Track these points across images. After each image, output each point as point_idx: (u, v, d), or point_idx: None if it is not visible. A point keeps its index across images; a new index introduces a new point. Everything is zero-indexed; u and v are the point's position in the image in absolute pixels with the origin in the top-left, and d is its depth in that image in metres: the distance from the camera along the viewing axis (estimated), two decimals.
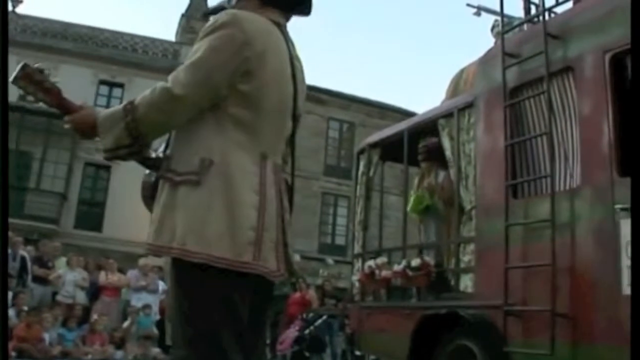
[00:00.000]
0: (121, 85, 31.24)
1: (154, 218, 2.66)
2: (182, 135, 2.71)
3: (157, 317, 15.86)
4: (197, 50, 2.69)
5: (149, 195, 2.83)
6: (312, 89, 31.71)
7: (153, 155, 2.83)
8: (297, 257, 14.06)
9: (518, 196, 6.19)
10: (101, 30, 32.38)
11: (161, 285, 16.53)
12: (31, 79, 2.65)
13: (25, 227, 25.71)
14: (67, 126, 2.74)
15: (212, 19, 2.76)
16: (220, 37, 2.66)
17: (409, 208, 8.15)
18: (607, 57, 5.38)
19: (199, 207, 2.55)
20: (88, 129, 2.71)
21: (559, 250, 5.40)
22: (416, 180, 8.47)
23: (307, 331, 13.64)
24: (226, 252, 2.53)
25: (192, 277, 2.57)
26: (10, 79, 2.66)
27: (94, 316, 14.91)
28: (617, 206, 5.00)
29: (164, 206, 2.62)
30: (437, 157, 7.91)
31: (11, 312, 12.79)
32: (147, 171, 2.90)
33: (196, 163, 2.60)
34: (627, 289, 4.84)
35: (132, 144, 2.66)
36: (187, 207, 2.56)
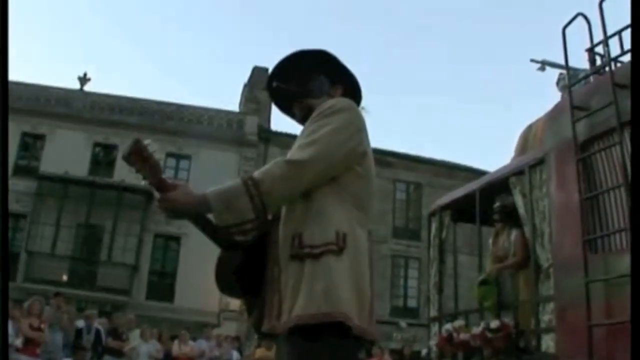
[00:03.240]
0: (188, 157, 31.78)
1: (295, 290, 2.68)
2: (308, 213, 2.79)
3: None
4: (316, 130, 2.85)
5: (229, 275, 2.87)
6: (378, 151, 31.79)
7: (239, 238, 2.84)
8: None
9: (596, 251, 6.05)
10: (166, 104, 33.10)
11: (235, 355, 16.56)
12: (141, 155, 2.67)
13: (98, 300, 26.18)
14: (160, 204, 2.76)
15: (326, 103, 2.97)
16: (340, 119, 2.86)
17: (478, 297, 8.03)
18: None
19: (343, 274, 2.66)
20: (185, 207, 2.73)
21: None
22: (490, 240, 8.38)
23: None
24: (358, 320, 2.64)
25: (328, 345, 2.61)
26: (123, 154, 2.67)
27: None
28: None
29: (309, 277, 2.66)
30: (512, 216, 7.84)
31: None
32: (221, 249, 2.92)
33: (332, 235, 2.71)
34: None
35: (257, 218, 2.71)
36: (333, 275, 2.64)
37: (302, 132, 2.95)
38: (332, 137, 2.81)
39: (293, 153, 2.81)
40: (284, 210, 2.88)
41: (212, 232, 2.78)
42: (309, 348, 2.61)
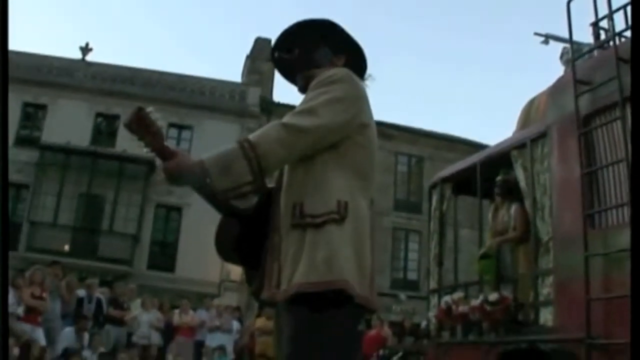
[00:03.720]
0: (190, 128, 31.76)
1: (296, 259, 2.70)
2: (309, 182, 2.81)
3: (232, 357, 15.92)
4: (313, 98, 2.86)
5: (229, 245, 2.89)
6: (380, 124, 31.58)
7: (240, 205, 2.85)
8: None
9: (596, 226, 6.06)
10: (168, 74, 33.00)
11: (235, 325, 16.63)
12: (143, 122, 2.67)
13: (100, 269, 26.25)
14: (161, 172, 2.75)
15: (325, 73, 2.97)
16: (338, 89, 2.86)
17: (478, 270, 8.04)
18: None
19: (344, 243, 2.68)
20: (185, 173, 2.72)
21: None
22: (490, 215, 8.39)
23: None
24: (359, 289, 2.66)
25: (329, 313, 2.63)
26: (125, 122, 2.66)
27: (169, 357, 15.03)
28: None
29: (311, 246, 2.67)
30: (513, 191, 7.86)
31: (88, 354, 12.97)
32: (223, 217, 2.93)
33: (334, 204, 2.72)
34: None
35: (254, 181, 2.71)
36: (335, 244, 2.66)
37: (303, 100, 2.96)
38: (329, 106, 2.81)
39: (290, 117, 2.81)
40: (285, 179, 2.89)
41: (214, 198, 2.79)
42: (309, 316, 2.62)
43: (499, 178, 8.10)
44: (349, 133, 2.86)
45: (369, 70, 3.30)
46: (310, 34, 3.18)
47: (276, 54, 3.25)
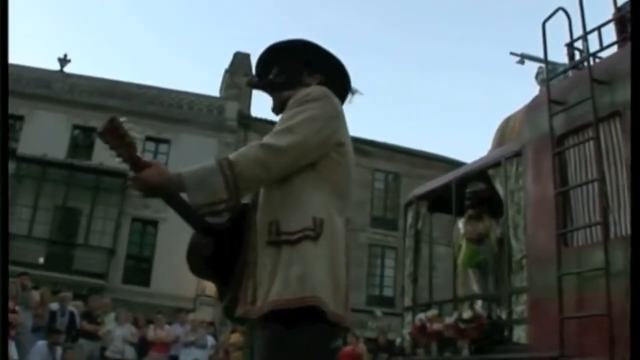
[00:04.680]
0: (167, 141, 31.66)
1: (271, 276, 2.70)
2: (286, 200, 2.82)
3: None
4: (291, 117, 2.88)
5: (201, 260, 2.88)
6: (357, 140, 31.80)
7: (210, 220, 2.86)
8: None
9: (569, 245, 6.10)
10: (147, 87, 32.92)
11: (209, 340, 16.54)
12: (117, 132, 2.68)
13: (74, 283, 26.00)
14: (133, 182, 2.75)
15: (302, 92, 3.00)
16: (315, 108, 2.90)
17: (461, 260, 8.07)
18: None
19: (319, 261, 2.70)
20: (159, 186, 2.72)
21: (615, 299, 5.28)
22: (460, 224, 8.42)
23: None
24: (333, 306, 2.68)
25: (302, 330, 2.64)
26: (99, 130, 2.69)
27: None
28: None
29: (286, 263, 2.69)
30: (484, 203, 7.92)
31: None
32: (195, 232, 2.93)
33: (309, 221, 2.74)
34: None
35: (229, 199, 2.72)
36: (310, 261, 2.68)
37: (280, 119, 2.97)
38: (307, 125, 2.83)
39: (269, 138, 2.83)
40: (261, 196, 2.90)
41: (186, 212, 2.79)
42: (284, 333, 2.63)
43: (467, 190, 8.15)
44: (326, 151, 2.88)
45: (354, 85, 3.33)
46: (283, 55, 3.22)
47: (248, 81, 3.34)
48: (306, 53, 3.22)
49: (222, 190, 2.68)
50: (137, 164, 2.72)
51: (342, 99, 3.25)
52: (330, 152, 2.90)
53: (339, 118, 2.99)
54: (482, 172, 7.67)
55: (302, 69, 3.20)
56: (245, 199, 2.91)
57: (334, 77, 3.24)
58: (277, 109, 3.17)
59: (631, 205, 3.37)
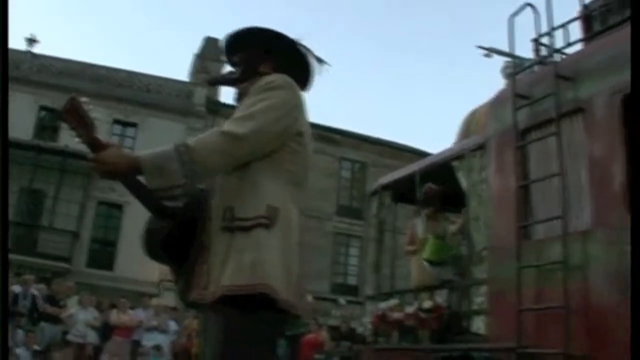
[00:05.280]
0: (134, 125, 31.44)
1: (223, 261, 2.71)
2: (242, 186, 2.83)
3: (169, 357, 15.79)
4: (252, 104, 2.88)
5: (158, 243, 2.88)
6: (325, 128, 31.79)
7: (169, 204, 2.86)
8: (309, 298, 14.08)
9: (530, 238, 6.16)
10: (117, 71, 32.65)
11: (172, 326, 16.50)
12: (77, 112, 2.68)
13: (38, 266, 25.79)
14: (92, 164, 2.73)
15: (264, 79, 2.99)
16: (277, 96, 2.90)
17: (428, 255, 8.11)
18: (618, 97, 5.39)
19: (271, 248, 2.70)
20: (117, 168, 2.71)
21: (572, 292, 5.36)
22: (419, 222, 8.50)
23: None
24: (284, 294, 2.68)
25: (252, 316, 2.66)
26: (59, 109, 2.68)
27: (105, 356, 14.84)
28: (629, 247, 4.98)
29: (238, 250, 2.70)
30: (438, 202, 8.03)
31: (22, 351, 12.75)
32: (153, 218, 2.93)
33: (264, 209, 2.75)
34: None
35: (186, 184, 2.71)
36: (262, 248, 2.69)
37: (240, 105, 2.98)
38: (268, 113, 2.83)
39: (229, 125, 2.82)
40: (218, 181, 2.90)
41: (142, 195, 2.79)
42: (234, 318, 2.64)
43: (421, 191, 8.24)
44: (285, 140, 2.89)
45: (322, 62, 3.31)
46: (243, 46, 3.24)
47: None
48: (261, 41, 3.22)
49: (179, 175, 2.68)
50: (96, 145, 2.71)
51: (304, 83, 3.25)
52: (289, 141, 2.91)
53: (300, 107, 2.99)
54: (446, 164, 7.72)
55: (258, 57, 3.20)
56: (202, 184, 2.92)
57: (292, 62, 3.23)
58: (238, 100, 3.17)
59: (631, 206, 3.41)
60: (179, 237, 2.89)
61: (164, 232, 2.88)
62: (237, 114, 2.88)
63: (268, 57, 3.20)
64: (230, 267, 2.67)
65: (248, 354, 2.63)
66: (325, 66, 3.28)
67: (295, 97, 2.98)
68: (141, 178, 2.75)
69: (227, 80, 3.31)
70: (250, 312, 2.64)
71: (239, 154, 2.78)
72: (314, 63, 3.28)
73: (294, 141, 2.93)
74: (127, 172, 2.73)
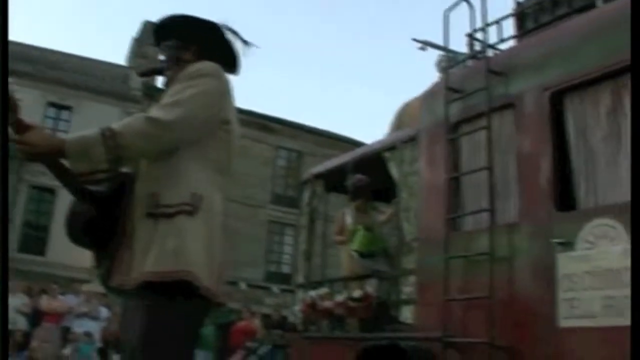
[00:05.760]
0: (69, 108, 30.93)
1: (146, 247, 2.71)
2: (166, 173, 2.82)
3: (99, 344, 15.61)
4: (180, 91, 2.88)
5: (81, 227, 2.86)
6: (262, 117, 31.74)
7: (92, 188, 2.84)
8: (242, 285, 14.19)
9: (458, 229, 6.25)
10: (51, 52, 32.08)
11: (103, 312, 16.31)
12: None
13: None
14: (17, 145, 2.70)
15: (193, 66, 2.99)
16: (204, 84, 2.90)
17: (357, 246, 8.16)
18: (547, 94, 5.51)
19: (194, 235, 2.71)
20: (40, 150, 2.68)
21: (497, 283, 5.47)
22: (347, 213, 8.56)
23: None
24: (207, 281, 2.70)
25: (174, 303, 2.67)
26: None
27: (34, 343, 14.62)
28: (554, 240, 5.11)
29: (161, 236, 2.70)
30: (366, 193, 8.11)
31: None
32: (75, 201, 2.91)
33: (188, 196, 2.76)
34: (563, 322, 4.96)
35: (109, 169, 2.70)
36: (185, 236, 2.70)
37: (168, 91, 2.97)
38: (195, 101, 2.84)
39: (156, 111, 2.82)
40: (143, 167, 2.89)
41: (66, 179, 2.76)
42: (155, 304, 2.66)
43: (348, 182, 8.30)
44: (211, 128, 2.90)
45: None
46: (167, 34, 3.24)
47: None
48: (183, 29, 3.22)
49: (103, 160, 2.66)
50: (20, 127, 2.68)
51: (231, 67, 3.25)
52: (215, 129, 2.92)
53: (227, 96, 3.00)
54: (378, 155, 7.76)
55: (181, 45, 3.20)
56: (127, 169, 2.90)
57: (216, 47, 3.23)
58: (167, 87, 3.14)
59: (631, 206, 3.47)
60: (102, 222, 2.87)
61: (87, 216, 2.86)
62: (164, 100, 2.86)
63: (191, 45, 3.19)
64: (152, 254, 2.66)
65: (169, 340, 2.63)
66: (253, 48, 3.29)
67: (223, 85, 2.99)
68: (65, 161, 2.72)
69: (156, 70, 3.32)
70: (172, 299, 2.64)
71: (164, 140, 2.78)
72: (239, 46, 3.27)
73: (220, 129, 2.94)
74: (51, 155, 2.70)
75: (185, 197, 2.76)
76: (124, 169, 2.86)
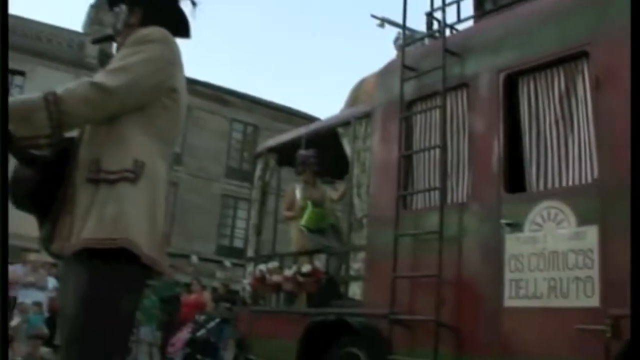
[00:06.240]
0: (22, 74, 30.40)
1: (86, 214, 2.66)
2: (109, 138, 2.77)
3: (47, 315, 15.45)
4: (127, 56, 2.83)
5: (24, 192, 2.81)
6: (217, 88, 31.52)
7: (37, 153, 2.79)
8: (194, 259, 14.18)
9: (409, 207, 6.29)
10: None
11: (51, 282, 16.12)
12: None
13: None
14: None
15: (141, 31, 2.93)
16: (152, 49, 2.85)
17: (306, 222, 8.14)
18: (501, 76, 5.56)
19: (135, 203, 2.68)
20: None
21: (446, 262, 5.52)
22: (297, 190, 8.54)
23: (199, 334, 13.44)
24: (148, 249, 2.66)
25: (114, 270, 2.63)
26: None
27: None
28: (503, 221, 5.16)
29: (101, 202, 2.65)
30: (314, 168, 8.12)
31: None
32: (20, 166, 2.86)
33: (130, 162, 2.71)
34: (508, 302, 5.03)
35: (52, 135, 2.65)
36: (126, 202, 2.65)
37: (115, 57, 2.92)
38: (142, 67, 2.79)
39: (101, 76, 2.77)
40: (86, 132, 2.85)
41: (9, 143, 2.71)
42: (95, 271, 2.62)
43: (297, 156, 8.30)
44: (158, 96, 2.85)
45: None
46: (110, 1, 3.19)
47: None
48: None
49: (46, 126, 2.62)
50: None
51: (179, 30, 3.18)
52: (162, 96, 2.87)
53: (176, 63, 2.95)
54: (332, 130, 7.76)
55: (128, 10, 3.13)
56: (71, 134, 2.85)
57: (163, 11, 3.16)
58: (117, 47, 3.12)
59: (631, 205, 3.49)
60: (46, 187, 2.83)
61: (30, 181, 2.82)
62: (110, 66, 2.82)
63: (137, 8, 3.12)
64: (92, 220, 2.63)
65: (106, 307, 2.60)
66: (202, 7, 3.24)
67: (171, 52, 2.94)
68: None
69: (108, 37, 3.26)
70: (110, 266, 2.61)
71: (108, 106, 2.74)
72: (188, 9, 3.22)
73: (167, 97, 2.88)
74: None
75: (127, 164, 2.71)
76: (69, 134, 2.81)
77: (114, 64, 2.82)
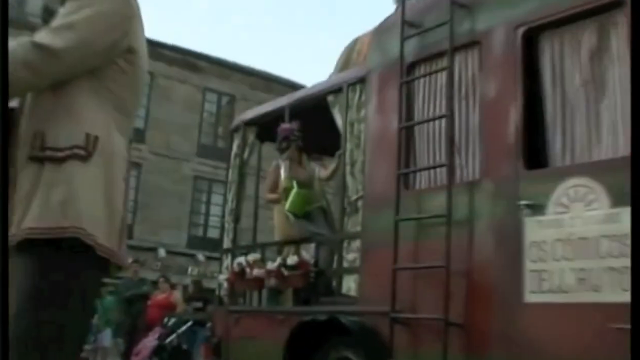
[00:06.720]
0: None
1: (28, 198, 2.62)
2: (56, 109, 2.72)
3: None
4: (74, 11, 2.74)
5: None
6: (186, 52, 31.37)
7: None
8: (161, 252, 14.19)
9: (411, 187, 6.25)
10: None
11: None
12: None
13: None
14: None
15: None
16: (104, 3, 2.77)
17: (289, 206, 8.10)
18: (519, 32, 5.51)
19: (88, 185, 2.64)
20: None
21: (455, 250, 5.50)
22: (281, 169, 8.49)
23: (168, 340, 13.39)
24: (104, 239, 2.63)
25: (64, 260, 2.59)
26: None
27: None
28: (521, 202, 5.12)
29: (47, 185, 2.61)
30: (299, 143, 8.08)
31: None
32: None
33: (81, 137, 2.66)
34: (529, 296, 5.00)
35: None
36: (76, 184, 2.61)
37: (60, 11, 2.84)
38: (92, 23, 2.72)
39: (44, 35, 2.70)
40: (28, 102, 2.80)
41: None
42: (39, 265, 2.58)
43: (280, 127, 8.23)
44: (112, 57, 2.79)
45: None
46: None
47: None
48: None
49: None
50: None
51: None
52: (116, 58, 2.81)
53: (133, 19, 2.88)
54: (320, 98, 7.70)
55: None
56: (11, 103, 2.80)
57: None
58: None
59: (631, 205, 3.46)
60: None
61: None
62: (55, 22, 2.75)
63: None
64: (36, 205, 2.59)
65: (55, 306, 2.56)
66: None
67: (127, 6, 2.86)
68: None
69: None
70: (59, 259, 2.58)
71: (53, 71, 2.68)
72: None
73: (123, 59, 2.82)
74: None
75: (77, 139, 2.66)
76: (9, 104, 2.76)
77: (58, 20, 2.75)
